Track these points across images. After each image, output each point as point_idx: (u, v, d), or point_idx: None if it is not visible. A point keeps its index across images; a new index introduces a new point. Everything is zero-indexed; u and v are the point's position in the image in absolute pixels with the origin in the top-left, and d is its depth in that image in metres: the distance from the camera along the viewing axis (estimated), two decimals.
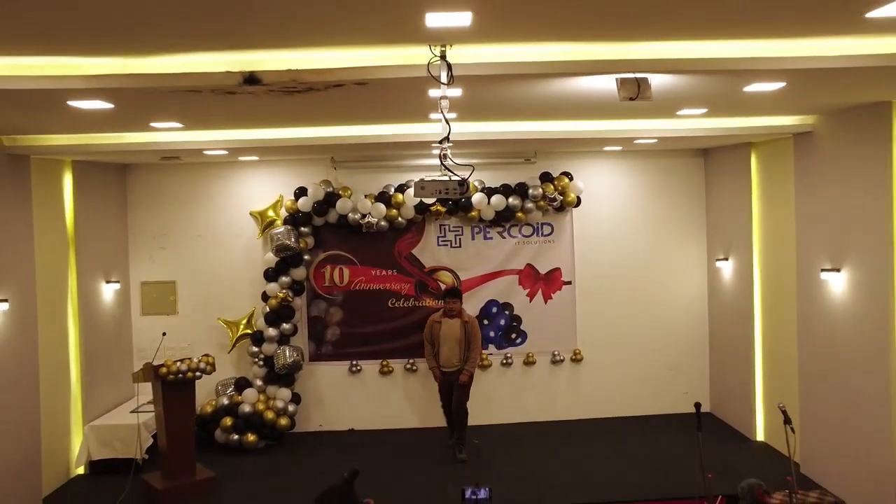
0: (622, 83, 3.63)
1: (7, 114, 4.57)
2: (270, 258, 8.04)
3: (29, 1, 2.59)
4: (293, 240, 7.91)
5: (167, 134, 6.03)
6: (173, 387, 6.41)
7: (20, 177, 6.14)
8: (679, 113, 5.59)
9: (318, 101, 4.50)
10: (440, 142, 3.76)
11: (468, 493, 4.02)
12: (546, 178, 8.26)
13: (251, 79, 3.62)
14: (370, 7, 2.86)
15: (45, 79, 3.57)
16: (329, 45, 3.47)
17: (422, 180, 3.73)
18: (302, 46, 3.49)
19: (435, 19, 2.99)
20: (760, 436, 7.51)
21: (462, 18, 2.98)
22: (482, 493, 3.96)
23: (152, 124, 5.39)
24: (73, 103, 4.14)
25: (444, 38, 3.34)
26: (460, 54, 3.54)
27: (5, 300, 5.71)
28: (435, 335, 7.29)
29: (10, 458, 5.74)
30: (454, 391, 7.26)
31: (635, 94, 3.61)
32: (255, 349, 8.01)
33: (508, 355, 8.47)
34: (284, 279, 8.03)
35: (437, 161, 8.03)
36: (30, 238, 6.26)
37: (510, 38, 3.46)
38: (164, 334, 7.27)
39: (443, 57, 3.47)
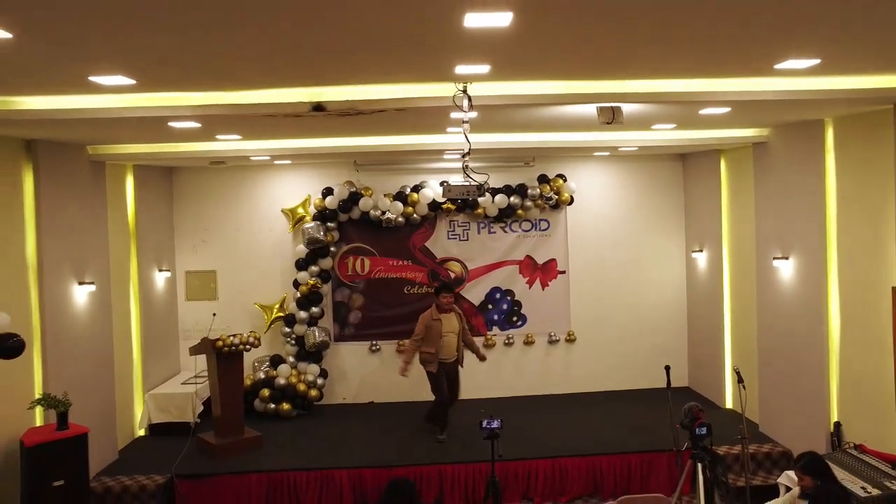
0: (600, 111, 4.75)
1: (112, 131, 5.68)
2: (301, 250, 9.14)
3: (156, 53, 3.54)
4: (322, 233, 9.02)
5: (220, 143, 7.12)
6: (226, 358, 7.52)
7: (98, 180, 7.24)
8: (653, 127, 6.72)
9: (360, 120, 5.61)
10: (462, 156, 4.87)
11: (484, 423, 5.11)
12: (543, 179, 9.39)
13: (318, 107, 4.72)
14: (414, 60, 3.95)
15: (160, 108, 4.68)
16: (379, 82, 4.59)
17: (448, 184, 4.85)
18: (358, 83, 4.60)
19: (462, 69, 4.11)
20: (729, 404, 8.62)
21: (482, 69, 4.10)
22: (495, 423, 5.04)
23: (217, 136, 6.50)
24: (172, 124, 5.26)
25: (467, 79, 4.45)
26: (478, 88, 4.65)
27: (92, 283, 6.82)
28: (436, 332, 7.61)
29: (94, 414, 6.79)
30: (452, 384, 7.85)
31: (611, 119, 4.73)
32: (288, 330, 9.11)
33: (510, 336, 9.59)
34: (313, 268, 9.13)
35: (447, 164, 9.21)
36: (105, 232, 7.35)
37: (516, 79, 4.57)
38: (213, 315, 8.40)
39: (465, 91, 4.59)
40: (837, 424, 6.30)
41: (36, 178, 6.09)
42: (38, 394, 5.95)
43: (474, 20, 3.02)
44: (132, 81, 4.06)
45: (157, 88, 4.42)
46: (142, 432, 8.16)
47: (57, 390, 5.96)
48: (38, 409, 5.96)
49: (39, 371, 6.05)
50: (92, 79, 3.93)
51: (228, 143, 7.15)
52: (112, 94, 4.44)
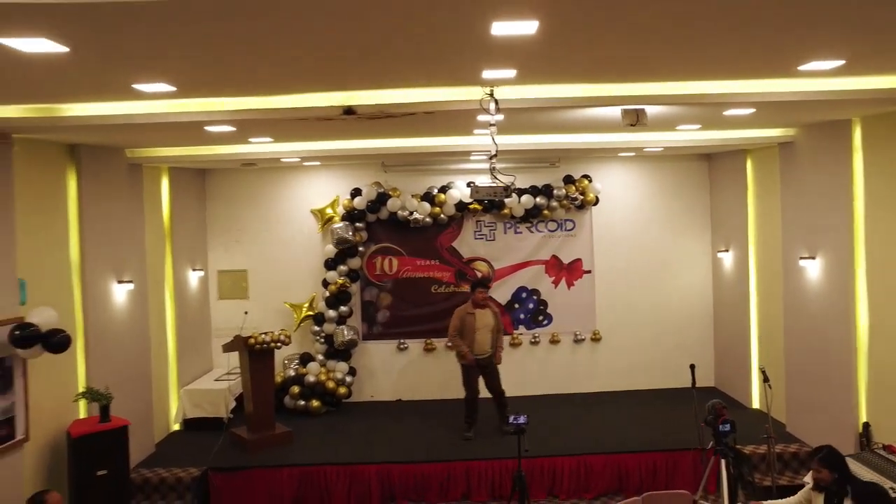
0: (625, 113, 4.83)
1: (151, 135, 5.90)
2: (331, 250, 9.33)
3: (196, 62, 3.72)
4: (350, 234, 9.20)
5: (252, 146, 7.31)
6: (258, 355, 7.71)
7: (135, 182, 7.48)
8: (678, 128, 6.76)
9: (389, 122, 5.75)
10: (489, 157, 4.98)
11: (511, 419, 5.24)
12: (568, 180, 9.46)
13: (349, 111, 4.87)
14: (442, 66, 4.07)
15: (198, 113, 4.86)
16: (408, 87, 4.72)
17: (475, 185, 4.97)
18: (388, 88, 4.74)
19: (489, 74, 4.23)
20: (756, 404, 8.60)
21: (508, 73, 4.21)
22: (521, 419, 5.16)
23: (250, 139, 6.70)
24: (208, 128, 5.45)
25: (494, 83, 4.56)
26: (505, 92, 4.75)
27: (131, 281, 7.07)
28: (469, 326, 7.73)
29: (132, 407, 7.00)
30: (490, 378, 7.86)
31: (635, 122, 4.80)
32: (317, 328, 9.29)
33: (536, 335, 9.67)
34: (342, 268, 9.31)
35: (474, 165, 9.32)
36: (142, 232, 7.60)
37: (542, 82, 4.67)
38: (245, 313, 8.63)
39: (492, 95, 4.69)
40: (866, 425, 6.28)
41: (79, 181, 6.35)
42: (81, 387, 6.20)
43: (501, 28, 3.14)
44: (173, 88, 4.24)
45: (196, 94, 4.61)
46: (177, 427, 8.40)
47: (99, 384, 6.20)
48: (82, 402, 6.21)
49: (83, 365, 6.30)
50: (135, 86, 4.12)
51: (260, 146, 7.34)
52: (153, 101, 4.63)
